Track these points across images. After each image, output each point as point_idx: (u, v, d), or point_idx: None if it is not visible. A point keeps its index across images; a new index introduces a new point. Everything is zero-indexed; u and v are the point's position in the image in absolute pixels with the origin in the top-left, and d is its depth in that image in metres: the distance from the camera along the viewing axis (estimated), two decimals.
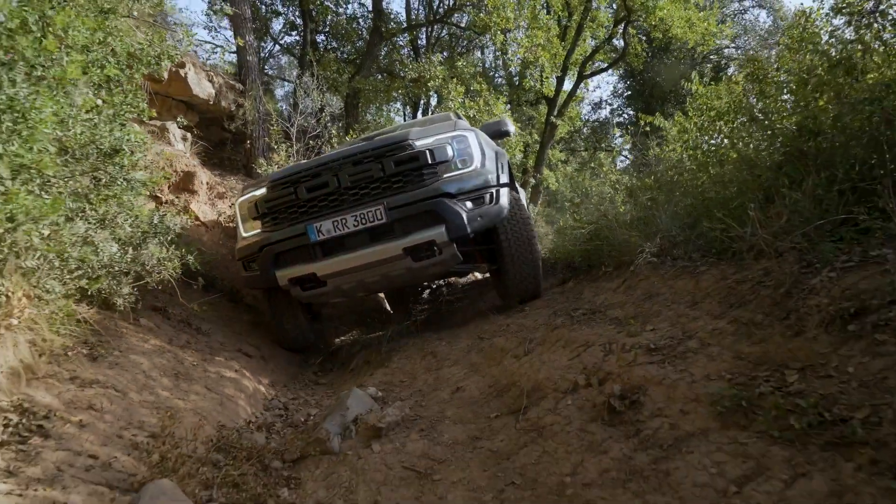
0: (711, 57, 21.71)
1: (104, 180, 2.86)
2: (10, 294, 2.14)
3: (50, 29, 2.36)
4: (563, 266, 5.49)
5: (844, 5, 4.59)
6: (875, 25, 4.22)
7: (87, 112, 2.64)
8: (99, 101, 2.78)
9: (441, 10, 12.84)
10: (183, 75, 7.70)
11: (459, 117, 6.00)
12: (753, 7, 23.17)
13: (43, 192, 2.22)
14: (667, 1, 12.34)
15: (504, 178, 4.46)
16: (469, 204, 4.10)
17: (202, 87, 8.32)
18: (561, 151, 19.56)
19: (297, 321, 4.86)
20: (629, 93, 22.79)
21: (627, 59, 14.74)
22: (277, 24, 14.27)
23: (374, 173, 4.05)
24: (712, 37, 14.09)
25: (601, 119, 24.54)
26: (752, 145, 3.79)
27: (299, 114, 8.70)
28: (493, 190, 4.21)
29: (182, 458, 2.20)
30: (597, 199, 6.19)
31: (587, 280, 4.52)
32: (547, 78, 12.21)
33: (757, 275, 2.68)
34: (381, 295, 7.73)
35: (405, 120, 13.62)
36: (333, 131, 8.44)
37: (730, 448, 1.74)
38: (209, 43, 18.85)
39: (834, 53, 3.81)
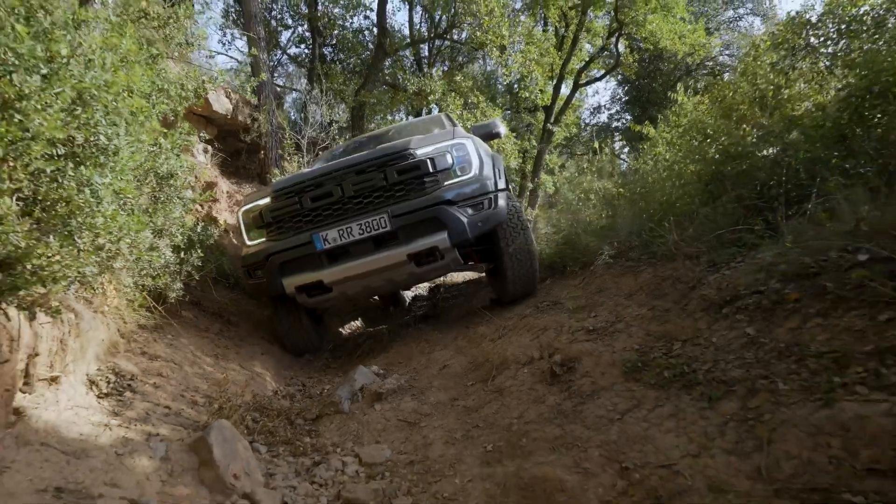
0: (708, 63, 22.29)
1: (162, 198, 3.61)
2: (105, 289, 2.89)
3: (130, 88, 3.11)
4: (544, 266, 6.20)
5: (781, 41, 5.33)
6: (806, 60, 4.96)
7: (151, 145, 3.38)
8: (162, 139, 3.52)
9: (442, 25, 13.59)
10: (205, 94, 8.44)
11: (451, 120, 6.22)
12: (748, 14, 23.77)
13: (126, 212, 2.96)
14: (656, 15, 13.03)
15: (501, 184, 4.56)
16: (469, 210, 4.20)
17: (221, 104, 9.08)
18: (560, 156, 20.28)
19: (302, 326, 4.95)
20: (626, 98, 23.45)
21: (620, 69, 15.45)
22: (285, 33, 15.12)
23: (377, 182, 4.16)
24: (701, 48, 14.73)
25: (600, 123, 25.27)
26: (694, 163, 4.51)
27: (309, 126, 9.46)
28: (492, 195, 4.32)
29: (233, 408, 2.94)
30: (572, 205, 6.91)
31: (559, 278, 5.22)
32: (541, 90, 12.90)
33: (677, 273, 3.41)
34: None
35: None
36: (341, 143, 9.18)
37: (624, 394, 2.47)
38: (224, 55, 19.60)
39: (761, 87, 4.55)
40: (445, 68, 16.64)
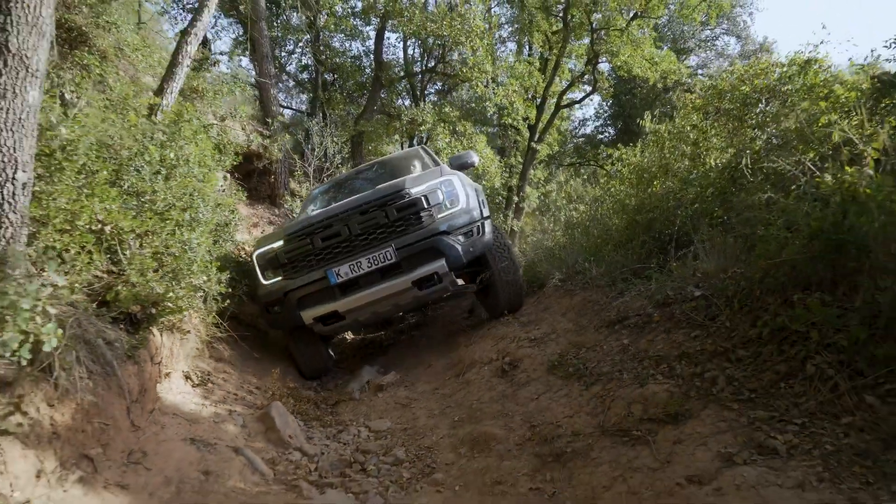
0: (686, 80, 23.59)
1: (219, 241, 4.88)
2: (191, 311, 4.15)
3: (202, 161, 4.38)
4: None
5: (700, 104, 6.61)
6: (717, 123, 6.22)
7: (216, 205, 4.66)
8: (222, 193, 4.79)
9: (432, 60, 14.90)
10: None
11: (429, 153, 6.82)
12: (724, 34, 25.11)
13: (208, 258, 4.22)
14: (628, 47, 14.35)
15: (486, 212, 5.06)
16: (462, 238, 4.68)
17: (237, 134, 10.33)
18: (548, 166, 21.63)
19: (317, 352, 5.39)
20: (609, 113, 24.76)
21: (598, 93, 16.78)
22: (288, 57, 16.35)
23: (380, 220, 4.60)
24: (672, 73, 16.02)
25: (587, 134, 26.61)
26: (618, 213, 5.82)
27: (313, 154, 10.73)
28: (479, 223, 4.83)
29: (278, 395, 4.21)
30: (537, 233, 8.19)
31: None
32: (524, 117, 14.18)
33: (596, 297, 4.71)
34: None
35: (401, 147, 15.58)
36: (343, 170, 10.45)
37: (544, 383, 3.75)
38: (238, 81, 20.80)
39: (675, 149, 5.87)
40: (437, 87, 17.97)
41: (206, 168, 4.27)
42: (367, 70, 15.75)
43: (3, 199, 2.55)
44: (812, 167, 2.98)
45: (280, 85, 17.47)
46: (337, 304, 4.66)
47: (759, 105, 5.86)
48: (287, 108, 16.04)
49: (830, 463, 1.97)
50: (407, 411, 4.20)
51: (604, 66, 17.42)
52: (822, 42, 5.49)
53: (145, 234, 3.41)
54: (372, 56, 15.54)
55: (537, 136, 16.56)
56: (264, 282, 4.93)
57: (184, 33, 5.23)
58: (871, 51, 5.59)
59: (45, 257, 2.72)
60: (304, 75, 16.09)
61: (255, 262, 4.99)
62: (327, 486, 3.03)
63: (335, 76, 15.40)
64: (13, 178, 2.58)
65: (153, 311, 3.31)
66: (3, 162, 2.55)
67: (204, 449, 3.09)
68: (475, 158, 6.10)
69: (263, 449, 3.43)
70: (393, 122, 13.06)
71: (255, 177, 11.49)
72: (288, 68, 16.62)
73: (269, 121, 10.51)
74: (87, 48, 5.43)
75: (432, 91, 18.33)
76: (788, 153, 3.47)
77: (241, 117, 7.74)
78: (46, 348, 2.11)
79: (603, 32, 14.82)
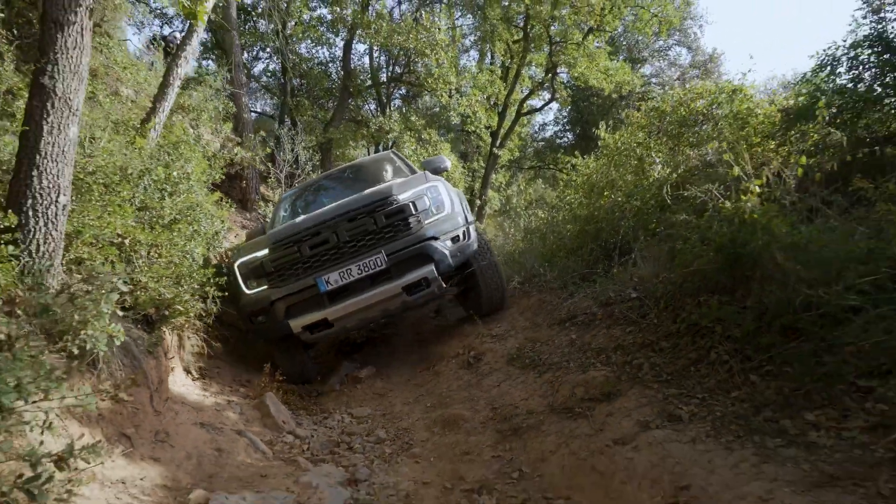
0: (641, 90, 24.64)
1: (211, 249, 5.34)
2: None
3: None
4: None
5: (645, 123, 7.33)
6: (659, 140, 6.93)
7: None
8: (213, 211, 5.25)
9: (398, 68, 15.47)
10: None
11: (400, 157, 6.92)
12: (676, 45, 26.32)
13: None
14: (584, 59, 15.17)
15: (470, 217, 5.15)
16: (449, 243, 4.75)
17: (216, 146, 10.68)
18: (509, 170, 22.42)
19: (302, 361, 5.34)
20: (567, 118, 25.68)
21: (557, 101, 17.60)
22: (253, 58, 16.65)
23: (369, 226, 4.64)
24: (626, 83, 16.92)
25: (546, 139, 27.48)
26: (570, 222, 6.49)
27: (285, 161, 11.14)
28: (464, 228, 4.93)
29: (269, 387, 4.71)
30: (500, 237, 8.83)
31: None
32: (487, 126, 14.85)
33: (550, 298, 5.35)
34: None
35: (368, 152, 16.03)
36: (313, 175, 10.90)
37: (504, 372, 4.36)
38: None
39: (620, 164, 6.58)
40: (402, 93, 18.50)
41: (203, 183, 4.73)
42: (334, 75, 16.21)
43: (48, 219, 3.02)
44: (718, 194, 3.65)
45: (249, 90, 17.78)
46: (326, 311, 4.65)
47: (695, 126, 6.62)
48: (253, 111, 16.31)
49: (717, 424, 2.62)
50: (384, 400, 4.76)
51: (563, 75, 18.28)
52: (749, 70, 6.32)
53: (154, 245, 3.88)
54: (338, 62, 16.02)
55: (499, 141, 17.28)
56: (247, 291, 4.84)
57: (174, 57, 5.65)
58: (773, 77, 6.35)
59: (78, 268, 3.19)
60: (271, 80, 16.43)
61: (236, 270, 4.86)
62: (320, 461, 3.57)
63: (302, 81, 15.78)
64: (56, 201, 3.05)
65: (166, 312, 3.79)
66: (49, 188, 3.01)
67: (213, 431, 3.59)
68: (447, 163, 6.09)
69: (261, 432, 3.94)
70: (361, 129, 13.56)
71: (226, 181, 11.84)
72: (254, 72, 16.95)
73: (244, 131, 10.86)
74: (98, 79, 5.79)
75: (397, 96, 18.88)
76: (707, 179, 4.16)
77: (225, 133, 8.09)
78: (102, 347, 2.57)
79: (561, 45, 15.62)
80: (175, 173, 4.22)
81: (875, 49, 4.87)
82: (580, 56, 14.98)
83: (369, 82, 15.27)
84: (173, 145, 4.71)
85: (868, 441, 2.17)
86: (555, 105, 22.24)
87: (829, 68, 5.18)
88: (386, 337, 6.68)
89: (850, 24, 5.23)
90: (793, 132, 4.96)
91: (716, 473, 2.26)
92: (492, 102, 16.88)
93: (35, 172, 2.97)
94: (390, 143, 13.18)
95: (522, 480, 2.95)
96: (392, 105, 17.11)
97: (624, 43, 24.31)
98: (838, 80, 5.09)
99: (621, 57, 23.28)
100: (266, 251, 4.76)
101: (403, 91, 18.57)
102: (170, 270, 3.72)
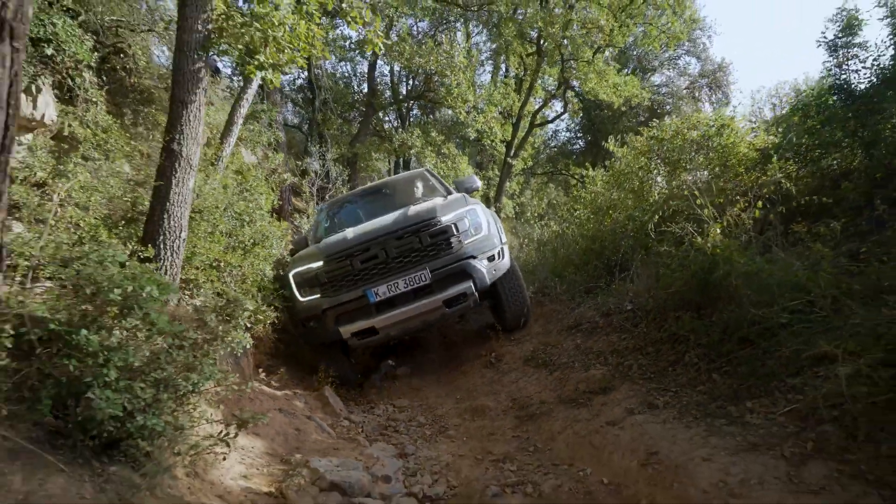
0: (653, 98, 25.31)
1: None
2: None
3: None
4: None
5: (646, 149, 8.15)
6: (658, 165, 7.77)
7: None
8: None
9: (418, 83, 16.42)
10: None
11: (433, 175, 7.49)
12: (685, 55, 27.02)
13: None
14: (594, 75, 15.99)
15: (503, 238, 5.58)
16: (486, 262, 5.19)
17: (249, 158, 11.67)
18: (522, 174, 23.28)
19: (343, 363, 5.95)
20: (579, 126, 26.49)
21: (568, 113, 18.46)
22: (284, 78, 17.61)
23: (414, 244, 5.08)
24: (635, 97, 17.70)
25: (559, 146, 28.29)
26: (577, 240, 7.37)
27: (317, 176, 12.10)
28: (500, 249, 5.38)
29: (325, 382, 5.63)
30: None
31: None
32: (502, 140, 15.73)
33: (559, 308, 6.23)
34: None
35: (389, 164, 16.99)
36: (343, 190, 11.85)
37: (521, 371, 5.25)
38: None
39: (624, 187, 7.44)
40: (421, 103, 19.43)
41: (270, 211, 5.67)
42: (355, 88, 17.21)
43: (173, 250, 3.96)
44: (692, 230, 4.52)
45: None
46: (374, 320, 5.10)
47: (690, 154, 7.46)
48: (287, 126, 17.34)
49: (682, 410, 3.49)
50: (420, 393, 5.67)
51: (574, 86, 19.10)
52: (739, 104, 7.13)
53: (240, 266, 4.82)
54: (359, 77, 17.04)
55: (513, 151, 18.14)
56: (301, 298, 5.32)
57: (237, 99, 6.61)
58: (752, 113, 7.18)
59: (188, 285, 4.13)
60: (298, 94, 17.42)
61: (291, 280, 5.36)
62: (375, 440, 4.49)
63: (328, 96, 16.76)
64: (179, 237, 3.99)
65: (251, 321, 4.72)
66: (174, 227, 3.96)
67: (289, 416, 4.52)
68: (478, 183, 6.64)
69: (324, 418, 4.87)
70: (384, 144, 14.51)
71: None
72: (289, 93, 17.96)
73: (279, 149, 11.80)
74: (153, 105, 6.75)
75: (416, 107, 19.82)
76: (684, 218, 5.04)
77: (276, 162, 9.05)
78: (240, 350, 3.49)
79: (572, 61, 16.46)
80: (251, 205, 5.16)
81: (839, 96, 5.72)
82: (590, 72, 15.80)
83: (391, 99, 16.25)
84: (241, 175, 5.66)
85: (784, 421, 3.03)
86: (570, 106, 23.09)
87: (800, 112, 6.03)
88: (417, 340, 7.58)
89: (821, 73, 6.11)
90: (755, 174, 5.77)
91: (676, 444, 3.14)
92: (506, 114, 17.76)
93: (165, 216, 3.92)
94: (412, 158, 14.12)
95: (536, 453, 3.84)
96: (411, 116, 18.03)
97: (634, 53, 25.04)
98: (808, 122, 5.93)
99: (631, 67, 24.07)
100: (320, 263, 5.21)
101: (422, 103, 19.52)
102: (254, 287, 4.65)
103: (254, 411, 4.05)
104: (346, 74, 17.59)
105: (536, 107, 18.74)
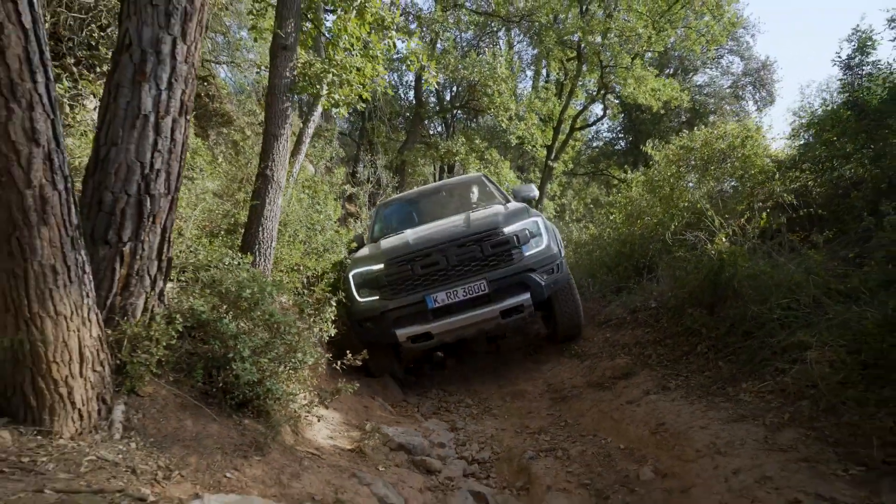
0: (695, 98, 25.36)
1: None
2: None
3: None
4: None
5: (676, 158, 8.72)
6: (688, 174, 8.33)
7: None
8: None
9: (460, 90, 17.23)
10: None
11: (490, 181, 7.60)
12: (728, 53, 26.95)
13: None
14: (632, 81, 16.45)
15: (562, 251, 5.53)
16: (544, 275, 5.18)
17: (308, 169, 12.67)
18: (564, 174, 23.81)
19: (390, 359, 6.10)
20: (621, 127, 26.79)
21: (608, 117, 18.94)
22: None
23: (476, 254, 5.11)
24: (675, 100, 18.03)
25: (600, 146, 28.64)
26: (609, 244, 8.02)
27: (368, 182, 13.02)
28: (559, 262, 5.35)
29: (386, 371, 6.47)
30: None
31: None
32: (541, 146, 16.39)
33: (593, 306, 6.91)
34: None
35: (434, 170, 17.84)
36: (393, 195, 12.73)
37: (556, 360, 5.97)
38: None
39: (656, 194, 8.04)
40: (464, 111, 20.24)
41: (336, 219, 6.54)
42: (402, 96, 18.11)
43: (266, 257, 4.84)
44: (704, 238, 5.15)
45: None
46: (430, 326, 5.16)
47: (717, 163, 8.01)
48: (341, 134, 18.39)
49: (689, 391, 4.16)
50: (467, 380, 6.45)
51: (614, 90, 19.54)
52: (764, 115, 7.62)
53: (315, 269, 5.69)
54: (405, 85, 17.92)
55: (553, 154, 18.74)
56: (360, 299, 5.41)
57: (305, 121, 7.53)
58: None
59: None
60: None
61: (351, 279, 5.47)
62: (430, 417, 5.28)
63: (377, 104, 17.71)
64: (271, 246, 4.87)
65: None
66: (267, 238, 4.84)
67: (357, 395, 5.35)
68: (536, 193, 6.71)
69: (385, 399, 5.69)
70: (430, 151, 15.37)
71: None
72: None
73: (354, 172, 12.80)
74: (232, 127, 7.72)
75: (459, 110, 20.63)
76: (697, 227, 5.67)
77: (343, 177, 9.99)
78: (325, 337, 4.33)
79: (611, 67, 16.95)
80: (321, 216, 6.03)
81: (852, 111, 6.22)
82: (629, 77, 16.27)
83: (437, 107, 17.12)
84: (311, 189, 6.55)
85: (771, 398, 3.68)
86: (609, 111, 23.48)
87: (817, 125, 6.55)
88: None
89: (837, 89, 6.61)
90: (770, 185, 6.31)
91: (680, 416, 3.82)
92: (546, 118, 18.35)
93: (260, 229, 4.80)
94: (456, 164, 14.92)
95: (567, 427, 4.57)
96: (455, 121, 18.82)
97: (675, 54, 25.18)
98: (824, 135, 6.44)
99: (672, 68, 24.25)
100: (381, 266, 5.30)
101: (466, 111, 20.30)
102: (328, 287, 5.50)
103: (334, 387, 4.92)
104: (394, 83, 18.48)
105: (577, 110, 19.27)
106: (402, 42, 15.48)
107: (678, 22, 17.01)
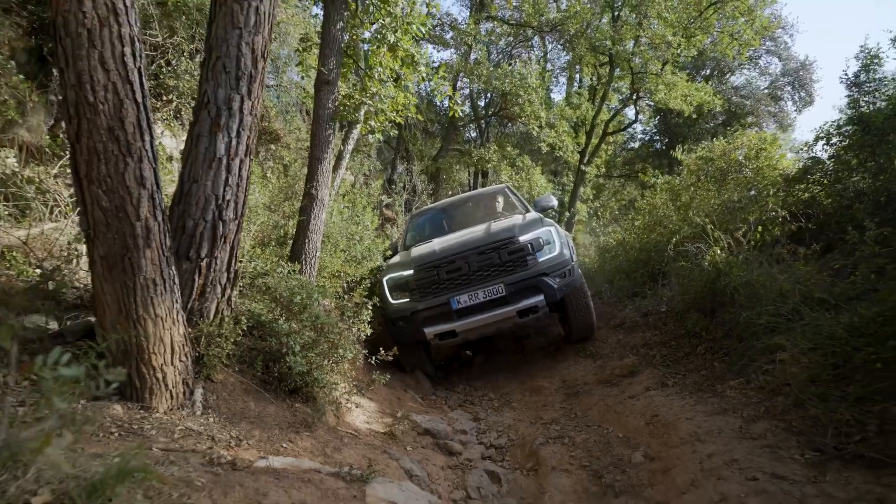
0: (731, 100, 25.24)
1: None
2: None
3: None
4: None
5: (695, 169, 9.11)
6: (706, 182, 8.72)
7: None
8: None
9: (495, 97, 17.80)
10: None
11: (513, 192, 8.13)
12: (766, 53, 26.70)
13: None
14: (663, 87, 16.70)
15: (574, 257, 6.07)
16: (557, 279, 5.69)
17: (348, 179, 13.43)
18: (597, 176, 24.08)
19: (421, 356, 6.76)
20: (655, 129, 26.87)
21: (640, 122, 19.21)
22: None
23: (494, 260, 5.70)
24: (707, 104, 18.16)
25: (634, 148, 28.75)
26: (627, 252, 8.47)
27: (404, 189, 13.70)
28: (570, 267, 5.87)
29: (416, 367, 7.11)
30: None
31: None
32: (572, 153, 16.82)
33: (609, 309, 7.40)
34: None
35: (469, 176, 18.45)
36: (428, 202, 13.38)
37: (573, 360, 6.50)
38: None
39: (674, 203, 8.46)
40: (496, 121, 20.81)
41: (373, 230, 7.21)
42: (437, 104, 18.77)
43: (311, 265, 5.53)
44: (703, 249, 5.61)
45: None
46: (455, 325, 5.77)
47: (735, 173, 8.38)
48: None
49: (683, 388, 4.65)
50: (491, 377, 7.03)
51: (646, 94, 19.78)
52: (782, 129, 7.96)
53: (354, 275, 6.36)
54: (438, 93, 18.56)
55: (586, 159, 19.10)
56: (392, 301, 6.06)
57: (344, 139, 8.23)
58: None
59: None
60: None
61: (384, 284, 6.14)
62: (456, 409, 5.88)
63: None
64: (315, 255, 5.55)
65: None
66: (312, 248, 5.52)
67: (390, 388, 6.00)
68: (555, 202, 7.22)
69: (415, 392, 6.32)
70: (464, 158, 15.99)
71: None
72: None
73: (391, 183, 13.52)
74: (279, 143, 8.48)
75: (492, 117, 21.18)
76: (699, 238, 6.11)
77: (378, 190, 10.70)
78: (363, 335, 4.99)
79: (642, 74, 17.24)
80: (359, 227, 6.71)
81: (858, 127, 6.55)
82: (659, 83, 16.54)
83: (472, 115, 17.74)
84: (349, 201, 7.24)
85: (752, 395, 4.16)
86: (641, 117, 23.67)
87: (824, 139, 6.89)
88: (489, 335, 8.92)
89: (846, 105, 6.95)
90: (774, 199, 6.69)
91: (672, 409, 4.33)
92: (579, 123, 18.74)
93: (307, 241, 5.49)
94: (489, 171, 15.50)
95: (575, 419, 5.11)
96: (489, 128, 19.39)
97: (711, 54, 25.13)
98: (830, 150, 6.78)
99: (708, 69, 24.21)
100: (411, 272, 5.96)
101: (499, 118, 20.83)
102: (365, 291, 6.17)
103: (370, 378, 5.58)
104: (428, 92, 19.17)
105: (610, 115, 19.59)
106: (436, 62, 16.29)
107: (710, 28, 17.17)
